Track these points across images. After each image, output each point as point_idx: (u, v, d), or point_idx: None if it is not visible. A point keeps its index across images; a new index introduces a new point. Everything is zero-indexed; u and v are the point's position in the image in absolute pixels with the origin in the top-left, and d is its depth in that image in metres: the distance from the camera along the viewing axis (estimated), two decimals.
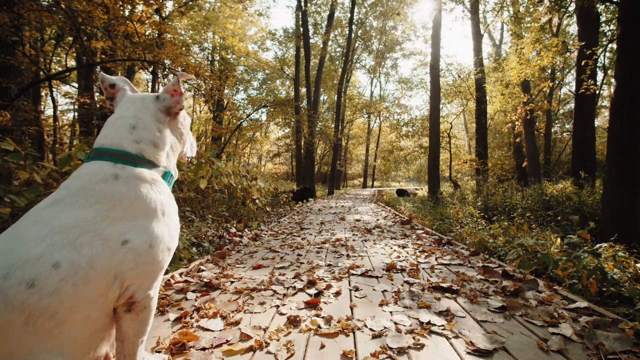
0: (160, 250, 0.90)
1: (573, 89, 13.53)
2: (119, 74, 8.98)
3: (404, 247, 3.48)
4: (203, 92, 6.70)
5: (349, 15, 18.53)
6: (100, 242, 0.80)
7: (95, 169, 0.91)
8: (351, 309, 1.73)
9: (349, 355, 1.26)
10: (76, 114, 13.98)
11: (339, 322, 1.54)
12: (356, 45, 22.73)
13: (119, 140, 0.96)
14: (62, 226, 0.79)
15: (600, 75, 13.43)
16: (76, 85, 11.28)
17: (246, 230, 4.57)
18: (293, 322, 1.54)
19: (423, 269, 2.59)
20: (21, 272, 0.71)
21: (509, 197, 6.80)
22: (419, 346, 1.33)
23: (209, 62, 20.74)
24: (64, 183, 0.90)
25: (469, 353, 1.28)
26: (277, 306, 1.75)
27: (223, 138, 16.30)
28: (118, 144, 0.96)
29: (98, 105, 8.58)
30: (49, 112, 16.23)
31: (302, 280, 2.19)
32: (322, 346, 1.33)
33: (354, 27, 18.84)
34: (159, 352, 1.27)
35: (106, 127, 1.00)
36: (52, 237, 0.77)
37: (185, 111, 1.15)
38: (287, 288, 2.04)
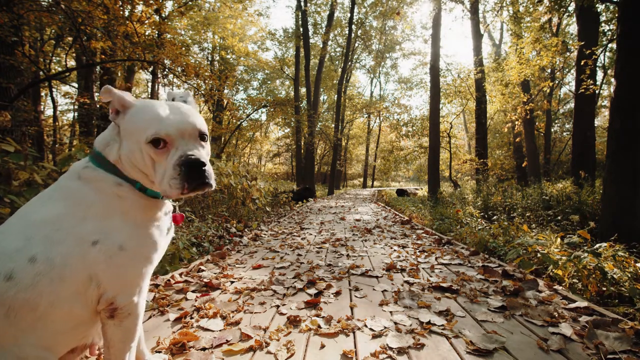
0: (133, 255, 0.85)
1: (573, 88, 13.53)
2: (119, 74, 8.99)
3: (404, 247, 3.48)
4: (203, 92, 6.69)
5: (348, 15, 18.54)
6: (72, 240, 0.79)
7: (75, 164, 0.92)
8: (351, 308, 1.73)
9: (349, 355, 1.26)
10: (76, 114, 13.97)
11: (339, 322, 1.54)
12: (356, 45, 22.73)
13: (97, 140, 0.94)
14: (40, 221, 0.80)
15: (600, 75, 13.44)
16: (76, 85, 11.28)
17: (246, 230, 4.57)
18: (293, 322, 1.54)
19: (423, 268, 2.59)
20: (0, 265, 0.73)
21: (509, 197, 6.80)
22: (419, 346, 1.33)
23: (208, 62, 20.74)
24: None
25: (469, 353, 1.28)
26: (277, 306, 1.75)
27: (223, 138, 16.30)
28: (96, 143, 0.94)
29: (98, 106, 8.58)
30: (49, 112, 16.25)
31: (302, 280, 2.19)
32: (322, 346, 1.33)
33: (353, 27, 18.84)
34: (159, 352, 1.27)
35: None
36: (29, 231, 0.78)
37: (138, 121, 0.87)
38: (287, 288, 2.04)
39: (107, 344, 0.87)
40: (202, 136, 0.90)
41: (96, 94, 9.42)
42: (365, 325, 1.50)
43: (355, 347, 1.33)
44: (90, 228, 0.82)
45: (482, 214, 5.91)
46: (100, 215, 0.84)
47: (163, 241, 0.95)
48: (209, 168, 0.86)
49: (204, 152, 0.90)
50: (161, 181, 0.84)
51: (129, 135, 0.87)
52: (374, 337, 1.40)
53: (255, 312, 1.67)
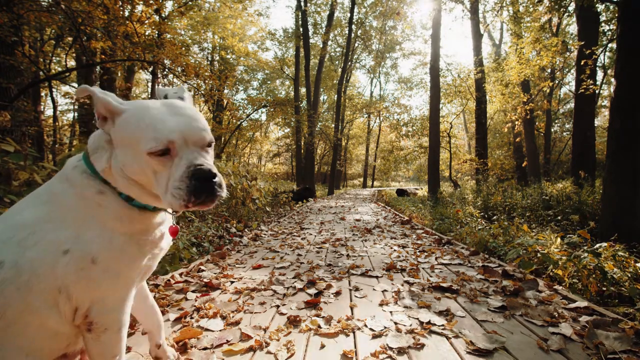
0: (106, 269, 0.78)
1: (573, 88, 13.53)
2: (119, 74, 8.99)
3: (404, 247, 3.48)
4: (203, 92, 6.70)
5: (348, 15, 18.54)
6: (43, 246, 0.74)
7: (68, 161, 0.86)
8: (351, 308, 1.73)
9: (349, 355, 1.26)
10: (76, 114, 13.98)
11: (339, 322, 1.54)
12: (356, 45, 22.73)
13: (90, 140, 0.87)
14: (17, 223, 0.76)
15: (600, 75, 13.44)
16: (76, 85, 11.28)
17: (246, 230, 4.57)
18: (293, 322, 1.54)
19: (423, 268, 2.59)
20: None
21: (509, 197, 6.80)
22: (419, 346, 1.33)
23: (208, 62, 20.74)
24: None
25: (469, 353, 1.28)
26: (277, 306, 1.75)
27: (223, 138, 16.29)
28: (89, 141, 0.86)
29: None
30: (49, 112, 16.25)
31: (302, 280, 2.19)
32: (322, 346, 1.33)
33: (353, 27, 18.84)
34: None
35: None
36: (8, 233, 0.74)
37: (136, 131, 0.77)
38: (287, 288, 2.04)
39: (89, 356, 0.85)
40: (209, 143, 0.83)
41: None
42: (365, 325, 1.50)
43: (355, 347, 1.33)
44: (65, 236, 0.76)
45: (482, 214, 5.91)
46: (77, 223, 0.78)
47: (143, 254, 0.86)
48: (219, 178, 0.78)
49: (210, 158, 0.83)
50: (165, 193, 0.76)
51: (124, 145, 0.78)
52: (374, 337, 1.40)
53: (255, 312, 1.67)
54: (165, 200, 0.76)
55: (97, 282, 0.78)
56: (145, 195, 0.83)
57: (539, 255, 2.64)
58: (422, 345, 1.33)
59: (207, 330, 1.46)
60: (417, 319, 1.58)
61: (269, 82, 27.28)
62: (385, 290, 2.02)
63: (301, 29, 17.05)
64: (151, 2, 5.18)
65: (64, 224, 0.77)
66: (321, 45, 18.77)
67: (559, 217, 5.04)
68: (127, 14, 5.46)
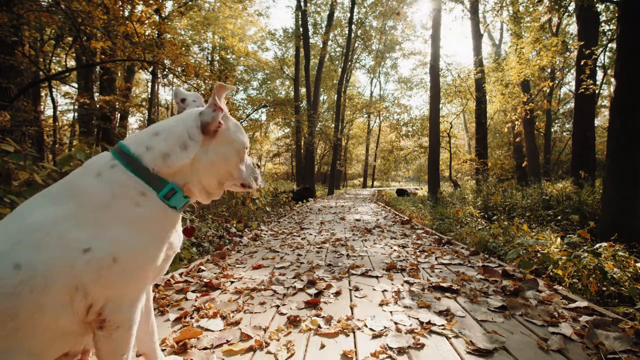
0: (126, 268, 0.80)
1: (573, 88, 13.53)
2: (119, 74, 8.99)
3: (404, 247, 3.48)
4: (203, 92, 6.70)
5: (348, 15, 18.54)
6: (61, 246, 0.74)
7: (94, 159, 0.87)
8: (351, 308, 1.73)
9: (349, 355, 1.26)
10: (76, 114, 13.98)
11: (339, 322, 1.54)
12: (356, 45, 22.72)
13: (133, 140, 0.90)
14: (32, 223, 0.75)
15: (600, 74, 13.44)
16: (76, 85, 11.28)
17: (246, 230, 4.57)
18: (293, 322, 1.54)
19: (423, 268, 2.59)
20: None
21: (509, 197, 6.80)
22: (419, 346, 1.33)
23: (208, 62, 20.74)
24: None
25: (469, 353, 1.28)
26: (277, 306, 1.75)
27: None
28: (128, 142, 0.89)
29: (98, 106, 8.58)
30: (49, 112, 16.26)
31: (302, 280, 2.19)
32: (322, 346, 1.33)
33: (353, 27, 18.83)
34: (163, 350, 1.27)
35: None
36: (20, 234, 0.74)
37: (236, 132, 1.01)
38: (287, 288, 2.04)
39: (97, 354, 0.85)
40: None
41: (96, 94, 9.42)
42: (365, 325, 1.50)
43: (355, 347, 1.33)
44: (86, 234, 0.76)
45: (482, 214, 5.91)
46: (102, 220, 0.79)
47: (163, 255, 0.90)
48: None
49: None
50: (247, 176, 1.06)
51: (229, 143, 0.99)
52: (374, 337, 1.40)
53: (255, 312, 1.67)
54: (246, 182, 1.06)
55: (115, 281, 0.79)
56: (212, 187, 1.01)
57: (539, 255, 2.64)
58: (422, 345, 1.33)
59: (207, 330, 1.46)
60: (417, 319, 1.58)
61: (269, 82, 27.29)
62: (385, 290, 2.02)
63: (301, 29, 17.05)
64: (151, 2, 5.18)
65: (86, 222, 0.78)
66: (321, 45, 18.77)
67: (559, 217, 5.04)
68: (127, 14, 5.46)
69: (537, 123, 15.40)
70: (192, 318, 1.59)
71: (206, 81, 6.39)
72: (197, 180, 0.95)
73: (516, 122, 13.99)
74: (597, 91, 10.00)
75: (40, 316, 0.73)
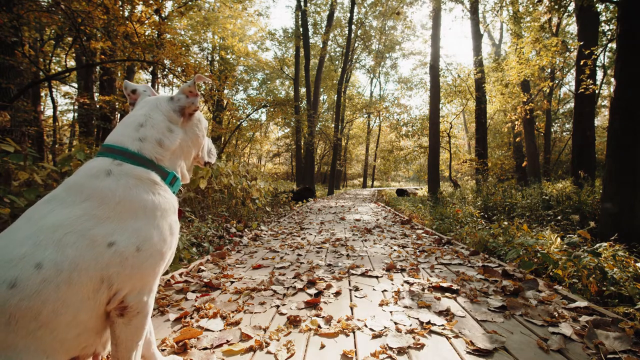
0: (149, 255, 0.85)
1: (573, 88, 13.54)
2: (119, 74, 8.99)
3: (404, 247, 3.48)
4: (202, 92, 6.70)
5: (348, 15, 18.55)
6: (85, 243, 0.78)
7: (93, 164, 0.90)
8: (351, 308, 1.73)
9: (349, 355, 1.26)
10: (76, 114, 13.96)
11: (339, 322, 1.54)
12: (356, 45, 22.73)
13: (122, 137, 0.95)
14: (50, 225, 0.77)
15: (600, 74, 13.44)
16: (76, 85, 11.28)
17: (246, 230, 4.57)
18: (293, 322, 1.54)
19: (423, 268, 2.59)
20: (3, 272, 0.70)
21: (508, 197, 6.80)
22: (419, 346, 1.33)
23: (208, 62, 20.72)
24: (66, 178, 0.90)
25: (469, 353, 1.28)
26: (277, 306, 1.75)
27: (223, 138, 16.29)
28: (120, 140, 0.94)
29: (98, 106, 8.58)
30: (49, 112, 16.23)
31: (302, 280, 2.19)
32: (322, 346, 1.33)
33: (353, 27, 18.84)
34: (163, 350, 1.27)
35: (117, 126, 1.01)
36: (39, 236, 0.76)
37: (201, 114, 1.13)
38: (287, 288, 2.04)
39: (115, 342, 0.88)
40: None
41: (96, 94, 9.42)
42: (365, 325, 1.50)
43: (355, 347, 1.33)
44: (110, 229, 0.81)
45: (482, 214, 5.91)
46: (124, 214, 0.84)
47: (175, 238, 0.98)
48: None
49: None
50: (209, 152, 1.22)
51: (198, 122, 1.11)
52: (374, 337, 1.40)
53: (255, 312, 1.67)
54: (207, 160, 1.21)
55: (139, 269, 0.84)
56: (189, 167, 1.12)
57: (539, 255, 2.64)
58: (422, 345, 1.33)
59: (207, 330, 1.46)
60: (417, 319, 1.58)
61: (268, 82, 27.27)
62: (385, 290, 2.02)
63: (301, 29, 17.06)
64: (151, 2, 5.18)
65: (107, 218, 0.82)
66: (321, 45, 18.78)
67: (559, 217, 5.04)
68: (127, 14, 5.46)
69: (537, 123, 15.40)
70: (192, 318, 1.59)
71: (206, 81, 6.39)
72: (182, 163, 1.08)
73: (516, 122, 14.00)
74: (597, 91, 9.99)
75: (64, 312, 0.75)
